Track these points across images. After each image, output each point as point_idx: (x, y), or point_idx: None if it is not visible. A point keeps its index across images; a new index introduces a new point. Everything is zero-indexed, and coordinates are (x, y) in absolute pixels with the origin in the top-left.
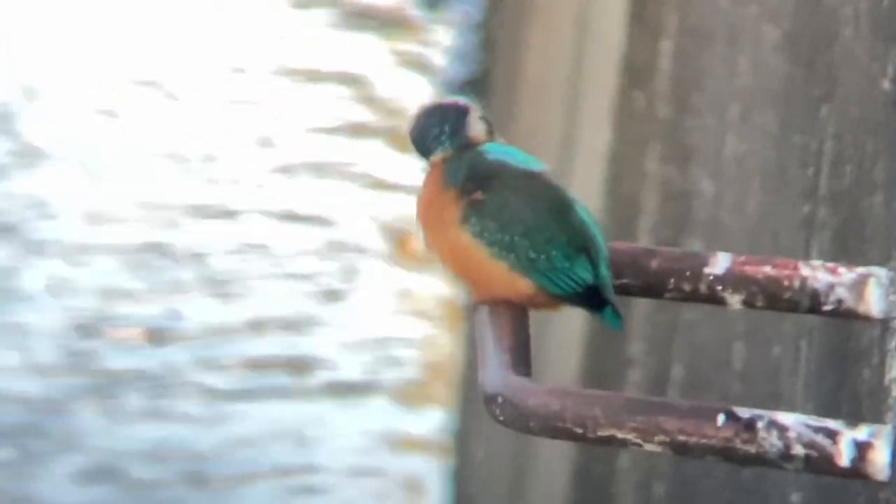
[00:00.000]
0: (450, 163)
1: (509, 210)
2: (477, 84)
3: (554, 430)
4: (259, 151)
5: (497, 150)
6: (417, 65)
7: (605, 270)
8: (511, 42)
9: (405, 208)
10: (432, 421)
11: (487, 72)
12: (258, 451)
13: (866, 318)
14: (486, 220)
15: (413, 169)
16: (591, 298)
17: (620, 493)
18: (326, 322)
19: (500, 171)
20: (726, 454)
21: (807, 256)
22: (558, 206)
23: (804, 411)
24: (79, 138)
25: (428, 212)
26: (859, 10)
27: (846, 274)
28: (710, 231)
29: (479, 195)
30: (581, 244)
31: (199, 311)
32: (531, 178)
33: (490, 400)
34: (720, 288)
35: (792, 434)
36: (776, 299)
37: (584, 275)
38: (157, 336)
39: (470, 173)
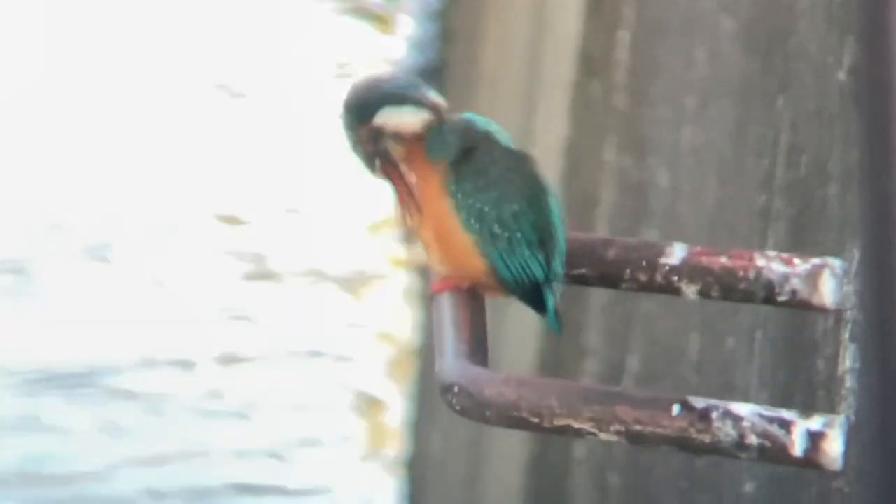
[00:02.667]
0: (433, 134)
1: (488, 178)
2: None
3: (510, 419)
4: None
5: (482, 122)
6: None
7: (559, 267)
8: (469, 32)
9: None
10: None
11: (445, 62)
12: None
13: (821, 309)
14: (466, 184)
15: None
16: (536, 296)
17: (575, 482)
18: None
19: (488, 143)
20: (681, 444)
21: (763, 247)
22: (534, 189)
23: (759, 401)
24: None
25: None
26: (815, 3)
27: (801, 265)
28: (666, 221)
29: (465, 162)
30: (542, 235)
31: None
32: (516, 156)
33: (447, 389)
34: (676, 278)
35: (746, 424)
36: (732, 290)
37: (537, 270)
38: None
39: (462, 143)
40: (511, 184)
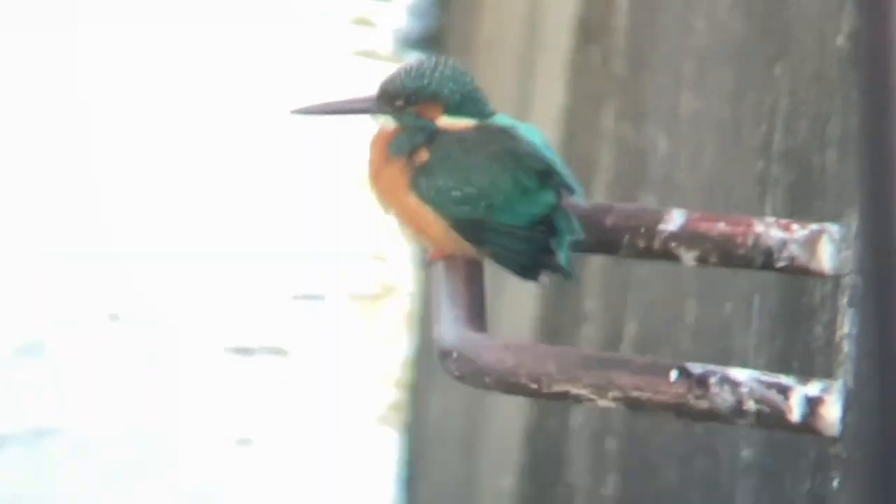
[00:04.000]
0: (399, 135)
1: (450, 162)
2: (432, 41)
3: (509, 385)
4: None
5: (504, 120)
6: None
7: (571, 183)
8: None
9: None
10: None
11: (442, 29)
12: None
13: (819, 275)
14: (432, 176)
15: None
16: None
17: (573, 448)
18: None
19: (442, 131)
20: (679, 410)
21: (761, 213)
22: (505, 146)
23: (756, 367)
24: None
25: (379, 179)
26: None
27: (799, 231)
28: (664, 188)
29: (424, 155)
30: (536, 173)
31: None
32: (474, 129)
33: (445, 355)
34: (674, 244)
35: (744, 390)
36: (730, 256)
37: (545, 199)
38: None
39: (422, 142)
40: (478, 157)
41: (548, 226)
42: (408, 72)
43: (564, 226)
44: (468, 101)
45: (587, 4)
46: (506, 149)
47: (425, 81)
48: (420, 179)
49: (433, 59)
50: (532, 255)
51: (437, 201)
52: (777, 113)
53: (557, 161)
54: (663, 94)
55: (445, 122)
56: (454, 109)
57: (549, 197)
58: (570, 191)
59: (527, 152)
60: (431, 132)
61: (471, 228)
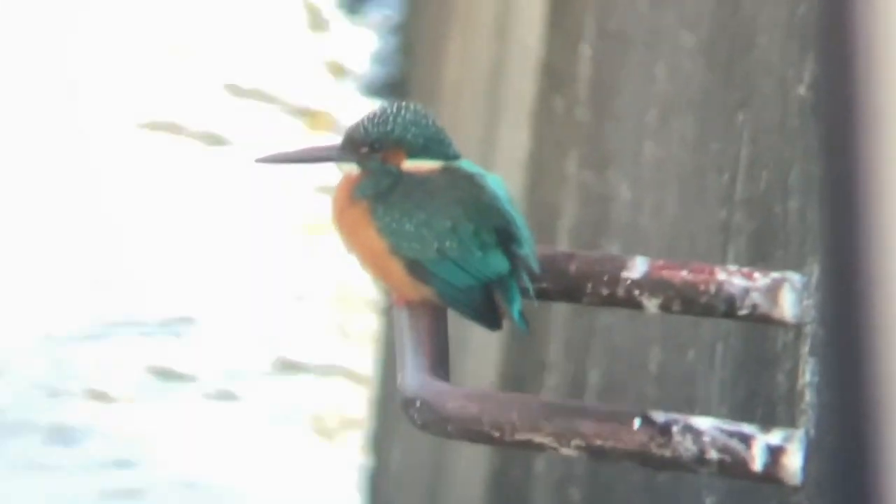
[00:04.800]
0: (364, 178)
1: (412, 203)
2: (396, 88)
3: (472, 433)
4: None
5: (469, 166)
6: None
7: (528, 258)
8: (431, 46)
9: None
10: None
11: (407, 75)
12: None
13: (780, 323)
14: (392, 214)
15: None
16: (488, 308)
17: (536, 497)
18: None
19: (407, 174)
20: (642, 458)
21: (723, 261)
22: (469, 193)
23: (719, 415)
24: None
25: (343, 219)
26: (775, 18)
27: (761, 279)
28: (628, 235)
29: (388, 196)
30: (497, 237)
31: None
32: (440, 171)
33: (409, 403)
34: (638, 292)
35: (706, 438)
36: (693, 303)
37: (498, 266)
38: None
39: (387, 184)
40: (438, 199)
41: (499, 281)
42: (371, 119)
43: (515, 284)
44: (432, 144)
45: (552, 52)
46: (470, 196)
47: (388, 128)
48: (381, 217)
49: (395, 105)
50: (487, 305)
51: (393, 239)
52: (739, 161)
53: (519, 220)
54: (627, 142)
55: (410, 165)
56: (418, 153)
57: (501, 263)
58: (525, 260)
59: (490, 204)
60: (397, 176)
61: (423, 271)
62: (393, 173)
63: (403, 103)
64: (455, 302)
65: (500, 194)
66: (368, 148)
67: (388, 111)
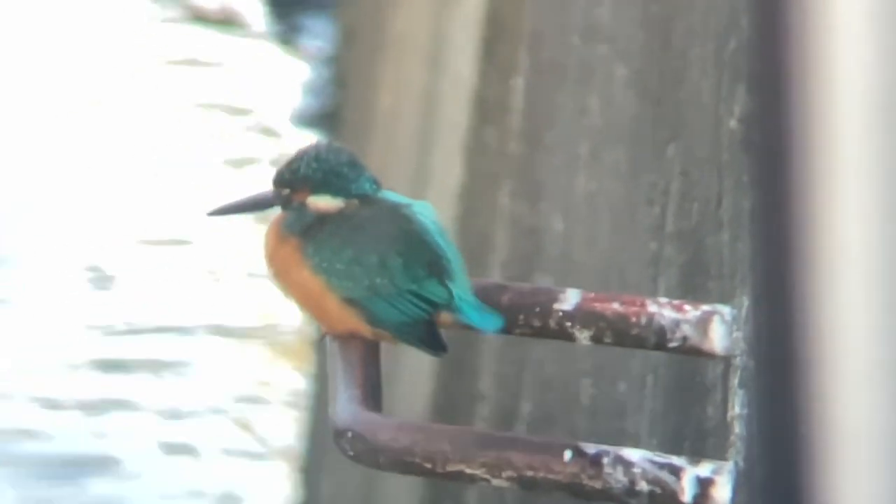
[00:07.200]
0: (289, 214)
1: (340, 239)
2: (329, 119)
3: (404, 465)
4: None
5: (395, 197)
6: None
7: (458, 281)
8: (363, 77)
9: None
10: None
11: (339, 107)
12: None
13: (710, 355)
14: (324, 258)
15: None
16: (429, 334)
17: None
18: None
19: (335, 210)
20: (573, 490)
21: (654, 293)
22: (396, 227)
23: (650, 447)
24: None
25: (274, 259)
26: (706, 51)
27: (691, 311)
28: (560, 267)
29: (315, 232)
30: (428, 270)
31: None
32: (367, 205)
33: (340, 435)
34: (569, 324)
35: (637, 470)
36: (624, 335)
37: (436, 292)
38: None
39: (312, 221)
40: (369, 235)
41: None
42: (288, 161)
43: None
44: (332, 178)
45: (485, 83)
46: (398, 229)
47: (296, 166)
48: (312, 256)
49: (311, 144)
50: (429, 332)
51: (326, 277)
52: (670, 194)
53: (450, 251)
54: (559, 174)
55: (312, 202)
56: (317, 188)
57: (439, 291)
58: (450, 294)
59: (419, 238)
60: (313, 214)
61: (358, 307)
62: (308, 212)
63: (319, 141)
64: (397, 333)
65: (428, 226)
66: (288, 189)
67: (301, 151)
